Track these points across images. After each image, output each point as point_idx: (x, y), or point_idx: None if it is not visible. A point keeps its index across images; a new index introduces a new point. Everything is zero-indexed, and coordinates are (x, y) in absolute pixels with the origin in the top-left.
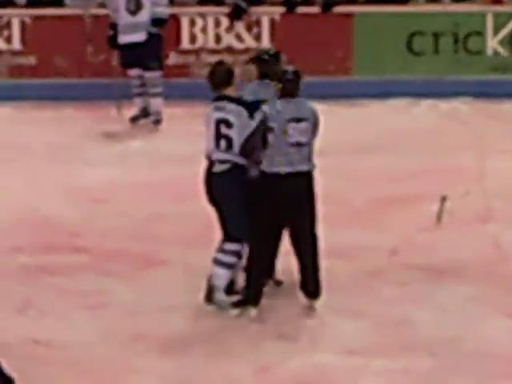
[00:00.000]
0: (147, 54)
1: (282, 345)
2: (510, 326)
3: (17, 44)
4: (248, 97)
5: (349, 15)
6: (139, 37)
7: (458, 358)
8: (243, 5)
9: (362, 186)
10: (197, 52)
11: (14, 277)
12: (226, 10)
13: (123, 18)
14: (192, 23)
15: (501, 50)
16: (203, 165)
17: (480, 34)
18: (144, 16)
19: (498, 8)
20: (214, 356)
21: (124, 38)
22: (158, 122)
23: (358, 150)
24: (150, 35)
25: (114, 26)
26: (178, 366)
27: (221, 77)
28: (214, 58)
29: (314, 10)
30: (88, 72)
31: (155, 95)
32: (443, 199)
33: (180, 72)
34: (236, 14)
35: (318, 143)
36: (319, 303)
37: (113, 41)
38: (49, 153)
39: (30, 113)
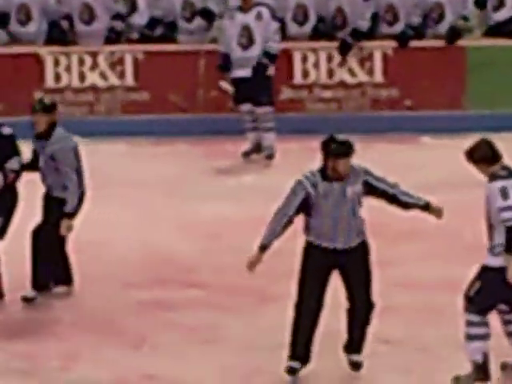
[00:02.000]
0: (258, 89)
1: None
2: None
3: (130, 80)
4: None
5: (461, 48)
6: (250, 72)
7: None
8: (349, 40)
9: (474, 221)
10: (309, 87)
11: (129, 312)
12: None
13: (235, 52)
14: (304, 58)
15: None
16: None
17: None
18: (256, 51)
19: None
20: None
21: (236, 73)
22: (270, 156)
23: (470, 183)
24: (262, 70)
25: (225, 57)
26: None
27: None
28: (326, 93)
29: (427, 43)
30: (201, 107)
31: (268, 130)
32: None
33: (293, 107)
34: (342, 50)
35: (429, 177)
36: None
37: (223, 68)
38: (163, 188)
39: (144, 148)
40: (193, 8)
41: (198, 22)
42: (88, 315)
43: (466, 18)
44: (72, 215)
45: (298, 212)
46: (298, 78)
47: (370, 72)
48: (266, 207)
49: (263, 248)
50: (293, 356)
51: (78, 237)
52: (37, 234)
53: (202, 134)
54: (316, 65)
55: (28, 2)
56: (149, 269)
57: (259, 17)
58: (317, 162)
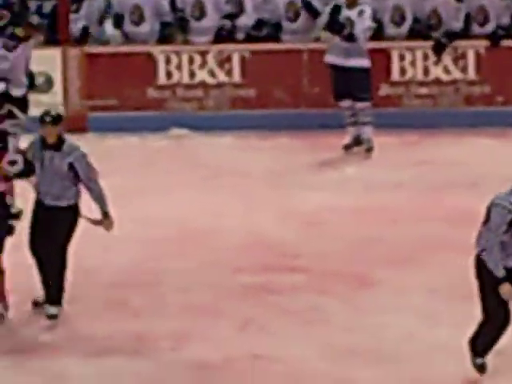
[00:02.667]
0: (358, 86)
1: None
2: None
3: (237, 77)
4: None
5: None
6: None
7: None
8: (444, 40)
9: None
10: (406, 84)
11: (236, 296)
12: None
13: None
14: (401, 57)
15: None
16: (412, 191)
17: None
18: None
19: None
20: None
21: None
22: (369, 149)
23: None
24: (362, 68)
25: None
26: (388, 375)
27: None
28: (422, 90)
29: None
30: (304, 103)
31: (366, 124)
32: None
33: (390, 102)
34: (437, 49)
35: None
36: None
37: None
38: (267, 179)
39: (250, 141)
40: (296, 8)
41: (302, 21)
42: (197, 299)
43: None
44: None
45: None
46: (395, 76)
47: (464, 70)
48: (366, 198)
49: (505, 279)
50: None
51: (186, 224)
52: (54, 249)
53: (304, 128)
54: (412, 63)
55: (141, 4)
56: (254, 255)
57: (361, 13)
58: (413, 154)
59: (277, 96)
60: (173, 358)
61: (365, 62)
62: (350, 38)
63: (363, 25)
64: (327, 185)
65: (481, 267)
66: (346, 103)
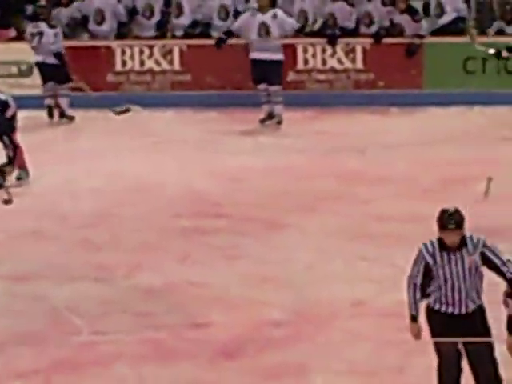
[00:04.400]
0: (271, 74)
1: None
2: None
3: (177, 65)
4: None
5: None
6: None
7: None
8: (337, 35)
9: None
10: (308, 71)
11: (176, 236)
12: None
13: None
14: (305, 50)
15: None
16: (312, 154)
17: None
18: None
19: None
20: None
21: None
22: (279, 122)
23: (429, 142)
24: (275, 60)
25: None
26: (294, 297)
27: None
28: (321, 76)
29: (395, 40)
30: (229, 86)
31: (278, 103)
32: (489, 179)
33: (296, 86)
34: (331, 42)
35: (399, 138)
36: None
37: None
38: (199, 145)
39: (186, 116)
40: (226, 10)
41: (230, 22)
42: (146, 237)
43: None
44: None
45: (424, 278)
46: (300, 65)
47: (353, 61)
48: (276, 160)
49: (414, 318)
50: None
51: (138, 179)
52: None
53: (229, 106)
54: (313, 55)
55: (103, 7)
56: (188, 204)
57: (275, 17)
58: (312, 127)
59: (207, 80)
60: (127, 283)
61: (278, 56)
62: (267, 36)
63: (285, 26)
64: (246, 150)
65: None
66: (262, 86)
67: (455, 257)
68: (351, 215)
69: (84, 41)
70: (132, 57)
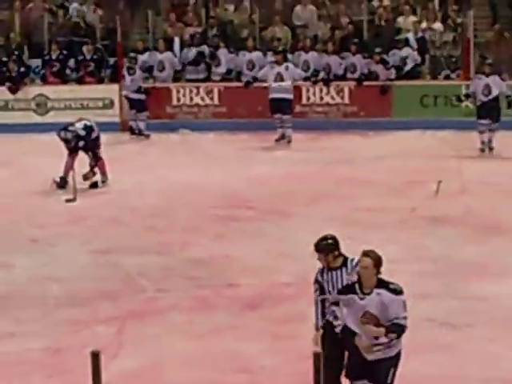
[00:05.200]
0: (285, 107)
1: None
2: None
3: (216, 100)
4: None
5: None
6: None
7: None
8: (329, 78)
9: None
10: (310, 105)
11: (216, 222)
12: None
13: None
14: (308, 90)
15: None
16: (314, 165)
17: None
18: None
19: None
20: None
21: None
22: (289, 141)
23: (397, 156)
24: (288, 99)
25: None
26: (299, 267)
27: None
28: (319, 109)
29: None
30: (255, 116)
31: (288, 127)
32: (439, 182)
33: (301, 115)
34: (326, 84)
35: (376, 153)
36: None
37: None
38: (233, 158)
39: (225, 137)
40: (253, 63)
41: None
42: (192, 223)
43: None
44: None
45: (322, 293)
46: (304, 100)
47: (342, 97)
48: (288, 168)
49: (317, 328)
50: None
51: (189, 184)
52: None
53: (256, 130)
54: (314, 93)
55: (163, 59)
56: (227, 199)
57: (287, 68)
58: (314, 144)
59: (238, 111)
60: (180, 256)
61: (289, 96)
62: (281, 81)
63: (294, 75)
64: (266, 161)
65: None
66: (277, 116)
67: (337, 275)
68: (342, 207)
69: (149, 84)
70: (184, 94)
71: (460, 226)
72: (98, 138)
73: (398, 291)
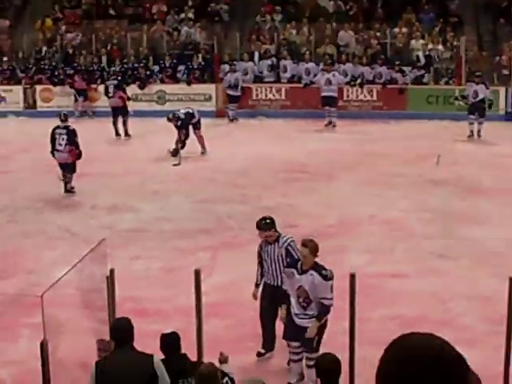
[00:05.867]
0: (332, 101)
1: None
2: None
3: (283, 96)
4: None
5: (406, 89)
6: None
7: None
8: (363, 82)
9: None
10: (350, 101)
11: (281, 182)
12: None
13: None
14: (347, 90)
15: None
16: (352, 143)
17: (455, 96)
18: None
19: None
20: None
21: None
22: (334, 126)
23: (410, 137)
24: (334, 96)
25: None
26: (340, 213)
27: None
28: (356, 103)
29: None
30: (310, 107)
31: (334, 116)
32: (439, 156)
33: (343, 108)
34: (361, 86)
35: (395, 135)
36: None
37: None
38: (294, 137)
39: (289, 123)
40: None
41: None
42: (265, 182)
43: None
44: None
45: (261, 260)
46: (345, 97)
47: (372, 96)
48: (333, 145)
49: (257, 285)
50: None
51: (258, 157)
52: None
53: (312, 117)
54: (352, 93)
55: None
56: (288, 166)
57: (334, 75)
58: (351, 129)
59: (299, 104)
60: (257, 205)
61: (335, 94)
62: (329, 84)
63: (338, 80)
64: (318, 139)
65: None
66: (326, 108)
67: (271, 248)
68: (370, 172)
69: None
70: (261, 92)
71: (452, 187)
72: (198, 121)
73: (327, 277)
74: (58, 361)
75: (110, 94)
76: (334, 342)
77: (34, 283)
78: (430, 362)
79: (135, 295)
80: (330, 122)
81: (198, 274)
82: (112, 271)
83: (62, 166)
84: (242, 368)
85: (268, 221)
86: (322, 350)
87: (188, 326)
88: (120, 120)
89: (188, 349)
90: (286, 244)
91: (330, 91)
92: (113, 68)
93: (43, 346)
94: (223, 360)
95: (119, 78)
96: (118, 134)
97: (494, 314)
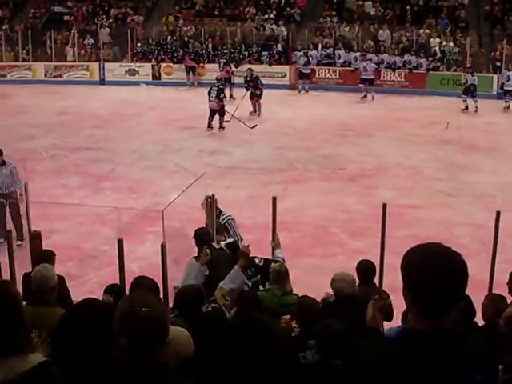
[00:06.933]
0: (370, 80)
1: None
2: None
3: (338, 76)
4: None
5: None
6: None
7: None
8: (395, 67)
9: (427, 117)
10: (385, 80)
11: (330, 138)
12: None
13: (363, 71)
14: (384, 73)
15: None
16: (382, 110)
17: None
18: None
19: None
20: None
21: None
22: (373, 98)
23: (428, 108)
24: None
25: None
26: (376, 160)
27: None
28: (389, 82)
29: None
30: (354, 84)
31: (372, 91)
32: (447, 123)
33: (380, 85)
34: (394, 70)
35: (418, 105)
36: None
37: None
38: (342, 105)
39: (333, 96)
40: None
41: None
42: (322, 137)
43: None
44: None
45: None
46: (382, 78)
47: (401, 77)
48: (371, 111)
49: None
50: None
51: (320, 116)
52: None
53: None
54: (387, 75)
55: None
56: (337, 126)
57: (368, 64)
58: (386, 100)
59: (349, 82)
60: (317, 152)
61: (372, 76)
62: (366, 70)
63: (371, 67)
64: (360, 107)
65: None
66: (362, 85)
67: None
68: (397, 133)
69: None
70: (322, 72)
71: (457, 145)
72: (261, 92)
73: None
74: (172, 258)
75: (220, 69)
76: (370, 252)
77: (156, 202)
78: (445, 252)
79: None
80: (365, 96)
81: (274, 200)
82: (213, 196)
83: (212, 111)
84: (306, 266)
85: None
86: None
87: (264, 238)
88: (227, 87)
89: (268, 252)
90: (224, 221)
91: (366, 75)
92: (216, 52)
93: (163, 248)
94: (276, 245)
95: (227, 57)
96: (231, 97)
97: (484, 237)
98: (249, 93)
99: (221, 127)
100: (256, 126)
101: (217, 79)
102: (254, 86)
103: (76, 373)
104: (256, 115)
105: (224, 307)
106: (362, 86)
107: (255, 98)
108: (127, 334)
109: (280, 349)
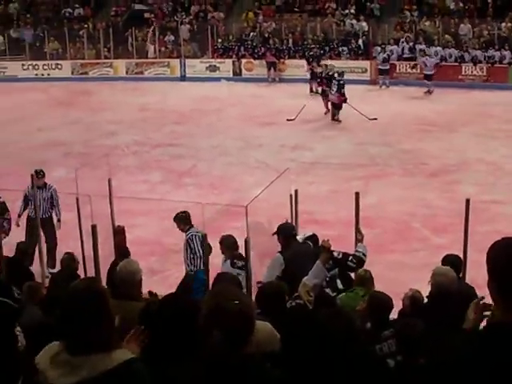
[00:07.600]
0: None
1: None
2: None
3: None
4: None
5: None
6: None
7: None
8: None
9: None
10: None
11: (413, 132)
12: None
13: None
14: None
15: None
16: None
17: None
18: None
19: None
20: None
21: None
22: (431, 93)
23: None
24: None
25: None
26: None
27: None
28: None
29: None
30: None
31: (431, 85)
32: None
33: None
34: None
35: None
36: None
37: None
38: (367, 99)
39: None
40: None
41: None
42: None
43: None
44: None
45: None
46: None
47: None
48: (405, 106)
49: None
50: None
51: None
52: None
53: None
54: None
55: None
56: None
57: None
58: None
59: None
60: (397, 147)
61: (431, 72)
62: (425, 66)
63: (431, 63)
64: (442, 102)
65: None
66: (425, 81)
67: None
68: (479, 128)
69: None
70: (402, 67)
71: None
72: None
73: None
74: (256, 253)
75: (309, 65)
76: (452, 247)
77: (239, 198)
78: None
79: (309, 209)
80: (428, 91)
81: (357, 195)
82: (296, 191)
83: (333, 104)
84: (388, 262)
85: (183, 214)
86: None
87: (346, 233)
88: (314, 82)
89: (349, 247)
90: (187, 236)
91: (427, 70)
92: (297, 48)
93: (246, 243)
94: (360, 239)
95: (312, 53)
96: (311, 91)
97: None
98: (320, 90)
99: (334, 119)
100: (376, 119)
101: (338, 73)
102: (327, 84)
103: (163, 367)
104: (326, 114)
105: (308, 303)
106: (426, 81)
107: (324, 96)
108: (218, 328)
109: (362, 342)
